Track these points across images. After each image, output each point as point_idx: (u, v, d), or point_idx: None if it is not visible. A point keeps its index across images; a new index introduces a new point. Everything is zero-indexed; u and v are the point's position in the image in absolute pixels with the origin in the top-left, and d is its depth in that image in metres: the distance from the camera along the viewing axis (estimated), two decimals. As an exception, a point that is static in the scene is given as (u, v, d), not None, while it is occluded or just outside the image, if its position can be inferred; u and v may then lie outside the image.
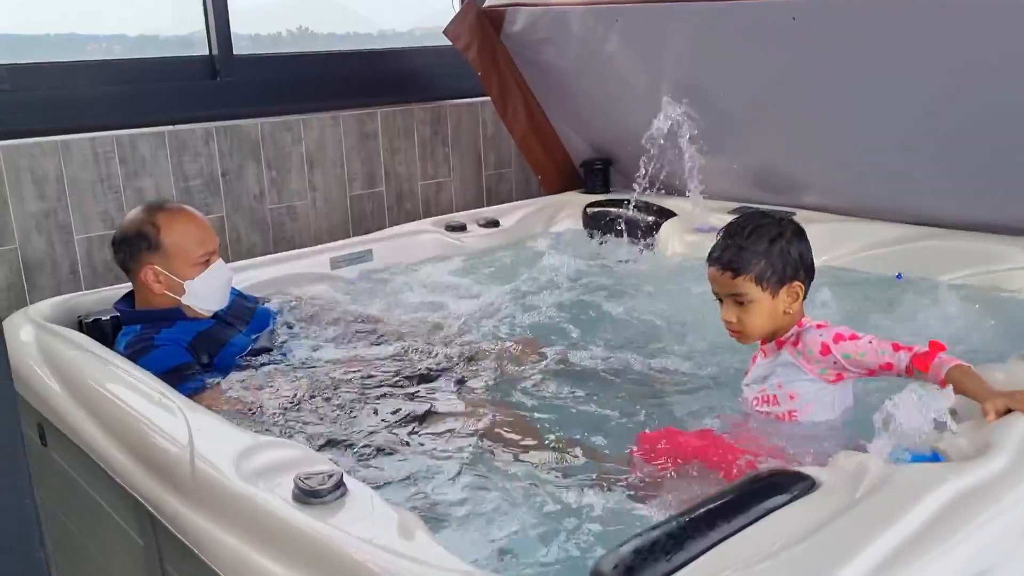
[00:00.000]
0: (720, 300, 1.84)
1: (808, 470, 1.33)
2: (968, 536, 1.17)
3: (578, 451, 1.77)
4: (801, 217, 2.99)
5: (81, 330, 2.27)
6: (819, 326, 1.80)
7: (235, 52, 3.30)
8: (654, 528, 1.17)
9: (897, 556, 1.10)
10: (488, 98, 3.76)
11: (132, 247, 2.25)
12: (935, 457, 1.37)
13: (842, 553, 1.08)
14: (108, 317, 2.35)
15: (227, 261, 2.48)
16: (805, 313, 1.85)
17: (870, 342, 1.71)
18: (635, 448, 1.77)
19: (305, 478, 1.32)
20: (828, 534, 1.14)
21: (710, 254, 1.85)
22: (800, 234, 1.84)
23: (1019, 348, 1.81)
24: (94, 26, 3.41)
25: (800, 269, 1.80)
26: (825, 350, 1.74)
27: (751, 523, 1.19)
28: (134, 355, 2.11)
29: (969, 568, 1.13)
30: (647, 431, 1.83)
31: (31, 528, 1.04)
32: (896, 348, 1.68)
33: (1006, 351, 1.86)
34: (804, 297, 1.83)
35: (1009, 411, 1.44)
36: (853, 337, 1.73)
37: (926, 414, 1.41)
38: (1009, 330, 2.22)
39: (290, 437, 1.78)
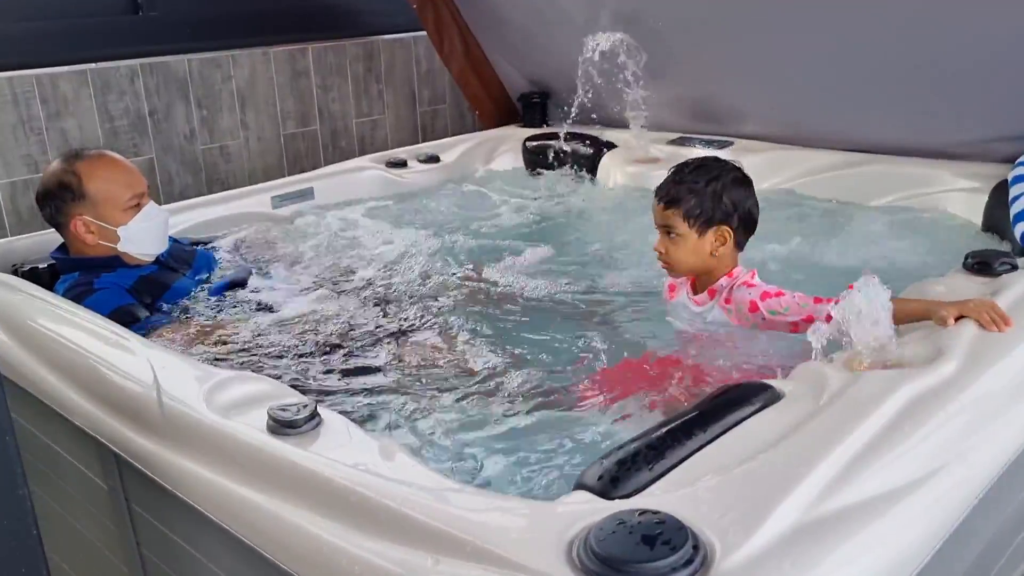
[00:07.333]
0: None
1: (772, 382, 1.38)
2: (926, 436, 1.23)
3: (538, 379, 1.79)
4: (740, 146, 3.07)
5: (17, 278, 2.18)
6: (748, 284, 1.85)
7: (156, -15, 3.17)
8: (633, 441, 1.21)
9: (863, 456, 1.16)
10: (421, 33, 3.70)
11: (57, 200, 2.15)
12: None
13: (814, 455, 1.13)
14: (45, 265, 2.25)
15: (160, 204, 2.40)
16: (739, 263, 1.90)
17: (793, 297, 1.77)
18: (597, 377, 1.79)
19: (279, 409, 1.31)
20: (799, 438, 1.18)
21: (657, 187, 1.92)
22: (740, 183, 1.87)
23: (951, 264, 1.87)
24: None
25: (732, 215, 1.84)
26: (753, 307, 1.82)
27: (724, 432, 1.23)
28: (75, 299, 2.04)
29: (928, 465, 1.19)
30: (607, 368, 1.83)
31: (13, 464, 1.02)
32: (817, 301, 1.73)
33: (939, 267, 1.93)
34: (737, 245, 1.87)
35: (960, 318, 1.51)
36: (779, 294, 1.79)
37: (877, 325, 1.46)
38: (939, 248, 2.32)
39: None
